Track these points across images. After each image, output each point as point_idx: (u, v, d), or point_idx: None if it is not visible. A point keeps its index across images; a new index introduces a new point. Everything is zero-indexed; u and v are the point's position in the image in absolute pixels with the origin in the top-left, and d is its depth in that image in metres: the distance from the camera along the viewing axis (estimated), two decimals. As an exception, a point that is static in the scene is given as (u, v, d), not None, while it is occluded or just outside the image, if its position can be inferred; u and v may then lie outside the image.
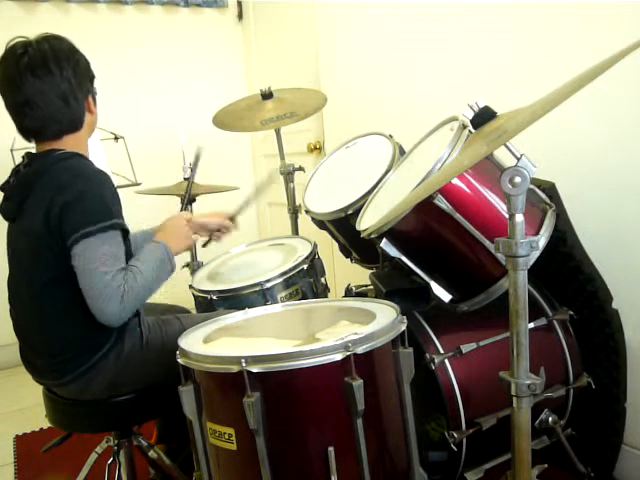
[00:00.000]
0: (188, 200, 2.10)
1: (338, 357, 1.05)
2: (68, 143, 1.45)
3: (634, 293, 1.62)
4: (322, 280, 1.95)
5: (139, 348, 1.47)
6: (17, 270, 1.48)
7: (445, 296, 1.45)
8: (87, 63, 1.48)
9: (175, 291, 2.27)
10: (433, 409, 1.50)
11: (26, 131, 1.45)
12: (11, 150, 2.51)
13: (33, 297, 1.42)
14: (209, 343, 1.24)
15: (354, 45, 2.65)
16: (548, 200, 1.46)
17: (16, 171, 1.47)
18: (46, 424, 2.10)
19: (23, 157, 1.47)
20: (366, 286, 1.91)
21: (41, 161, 1.43)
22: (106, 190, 1.38)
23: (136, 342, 1.47)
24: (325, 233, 2.01)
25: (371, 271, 1.81)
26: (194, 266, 2.18)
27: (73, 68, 1.42)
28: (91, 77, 1.49)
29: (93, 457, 1.69)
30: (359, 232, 1.49)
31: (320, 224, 1.95)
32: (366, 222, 1.54)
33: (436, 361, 1.45)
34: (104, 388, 1.46)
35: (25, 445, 2.32)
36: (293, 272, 1.81)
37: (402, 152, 1.83)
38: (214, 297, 1.80)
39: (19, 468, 2.15)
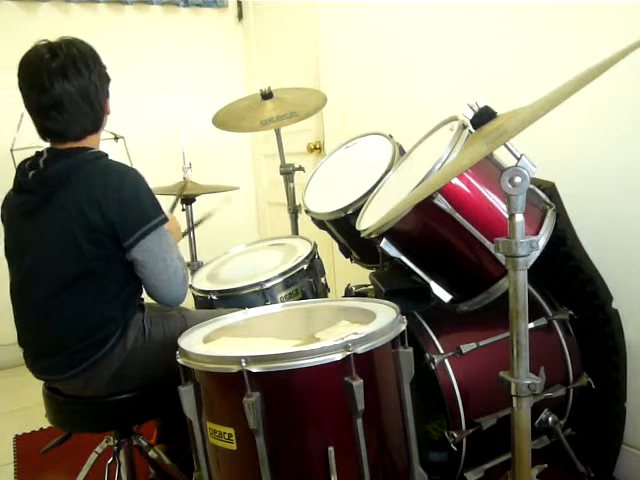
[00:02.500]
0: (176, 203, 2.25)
1: (338, 357, 1.06)
2: (88, 143, 1.47)
3: (634, 293, 1.62)
4: (322, 280, 1.95)
5: (142, 341, 1.49)
6: (36, 265, 1.44)
7: (445, 296, 1.45)
8: (105, 66, 1.51)
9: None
10: (433, 409, 1.50)
11: (48, 132, 1.45)
12: (11, 150, 2.51)
13: (59, 290, 1.41)
14: (209, 343, 1.24)
15: (354, 45, 2.65)
16: (548, 200, 1.46)
17: (31, 166, 1.44)
18: (46, 424, 2.11)
19: (41, 152, 1.45)
20: (366, 286, 1.91)
21: (74, 158, 1.42)
22: (148, 186, 1.46)
23: (139, 335, 1.49)
24: (325, 233, 2.01)
25: (371, 271, 1.80)
26: (194, 266, 2.18)
27: (98, 71, 1.45)
28: (109, 79, 1.52)
29: (93, 457, 1.70)
30: (359, 232, 1.49)
31: (320, 224, 1.95)
32: (366, 222, 1.54)
33: (436, 361, 1.45)
34: (106, 383, 1.47)
35: (25, 445, 2.32)
36: (293, 272, 1.81)
37: (402, 152, 1.83)
38: (214, 297, 1.80)
39: (19, 468, 2.15)
